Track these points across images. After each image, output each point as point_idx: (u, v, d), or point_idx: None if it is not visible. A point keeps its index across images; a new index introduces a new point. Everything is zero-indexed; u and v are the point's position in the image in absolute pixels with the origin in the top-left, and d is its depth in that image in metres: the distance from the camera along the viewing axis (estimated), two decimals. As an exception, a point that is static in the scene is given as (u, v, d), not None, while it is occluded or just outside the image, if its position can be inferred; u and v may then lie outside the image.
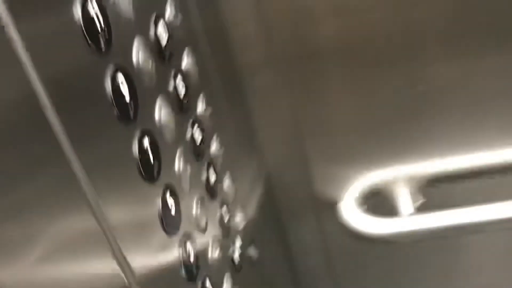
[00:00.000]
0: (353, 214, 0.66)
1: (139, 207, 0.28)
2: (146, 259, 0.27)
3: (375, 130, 0.63)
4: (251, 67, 0.59)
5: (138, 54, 0.30)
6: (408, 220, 0.64)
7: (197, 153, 0.38)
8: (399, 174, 0.65)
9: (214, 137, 0.44)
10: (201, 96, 0.42)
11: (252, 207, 0.56)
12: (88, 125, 0.23)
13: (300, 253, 0.74)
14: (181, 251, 0.31)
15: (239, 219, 0.48)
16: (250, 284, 0.48)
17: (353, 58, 0.57)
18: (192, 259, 0.33)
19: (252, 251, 0.50)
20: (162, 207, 0.29)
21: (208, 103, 0.43)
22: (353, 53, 0.56)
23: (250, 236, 0.50)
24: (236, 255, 0.44)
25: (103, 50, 0.25)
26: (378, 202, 0.66)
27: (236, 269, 0.44)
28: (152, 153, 0.29)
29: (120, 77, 0.26)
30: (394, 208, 0.65)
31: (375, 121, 0.63)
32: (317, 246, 0.73)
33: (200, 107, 0.42)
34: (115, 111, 0.25)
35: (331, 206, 0.67)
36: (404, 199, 0.64)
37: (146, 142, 0.28)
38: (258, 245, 0.54)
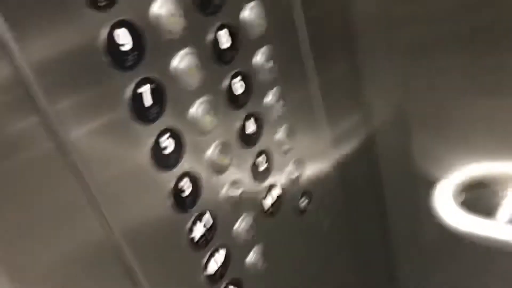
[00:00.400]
0: (446, 204, 0.61)
1: (128, 146, 0.33)
2: (126, 193, 0.33)
3: (496, 115, 0.55)
4: (362, 24, 0.56)
5: (156, 7, 0.33)
6: (504, 227, 0.56)
7: (235, 103, 0.42)
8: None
9: (274, 90, 0.46)
10: (263, 49, 0.44)
11: (332, 163, 0.57)
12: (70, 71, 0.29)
13: (393, 218, 0.73)
14: (173, 185, 0.37)
15: (292, 170, 0.50)
16: (287, 231, 0.52)
17: (476, 27, 0.49)
18: (187, 192, 0.38)
19: (302, 203, 0.53)
20: (153, 146, 0.35)
21: (271, 57, 0.44)
22: (475, 20, 0.49)
23: (305, 188, 0.53)
24: (268, 202, 0.47)
25: (103, 6, 0.30)
26: (477, 195, 0.59)
27: (265, 214, 0.47)
28: (154, 97, 0.34)
29: (121, 31, 0.31)
30: (492, 208, 0.58)
31: (499, 105, 0.55)
32: (410, 216, 0.70)
33: (260, 59, 0.44)
34: (108, 59, 0.30)
35: (428, 184, 0.63)
36: (508, 203, 0.57)
37: (145, 88, 0.33)
38: (321, 200, 0.55)
